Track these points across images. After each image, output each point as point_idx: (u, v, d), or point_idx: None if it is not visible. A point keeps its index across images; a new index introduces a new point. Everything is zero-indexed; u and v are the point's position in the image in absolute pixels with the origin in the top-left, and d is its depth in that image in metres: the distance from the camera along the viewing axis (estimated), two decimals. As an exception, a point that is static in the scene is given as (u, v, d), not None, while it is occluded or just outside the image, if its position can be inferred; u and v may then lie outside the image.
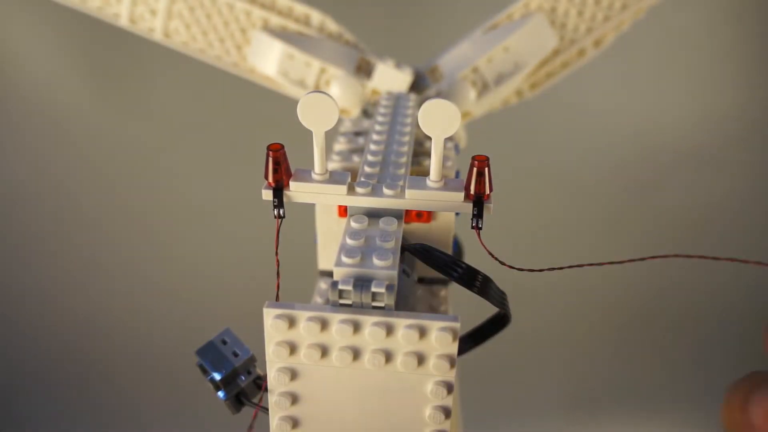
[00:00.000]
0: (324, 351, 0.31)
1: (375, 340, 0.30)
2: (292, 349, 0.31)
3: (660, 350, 1.12)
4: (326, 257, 0.46)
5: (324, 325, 0.31)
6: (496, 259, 0.33)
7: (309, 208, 0.42)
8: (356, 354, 0.31)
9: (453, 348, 0.30)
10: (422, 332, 0.30)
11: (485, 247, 0.33)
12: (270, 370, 0.32)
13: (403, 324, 0.30)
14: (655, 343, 1.12)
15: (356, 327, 0.30)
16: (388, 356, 0.31)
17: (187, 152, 1.05)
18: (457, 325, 0.30)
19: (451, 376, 0.31)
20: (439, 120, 0.32)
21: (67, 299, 1.10)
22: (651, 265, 1.16)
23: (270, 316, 0.31)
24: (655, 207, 1.09)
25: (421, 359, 0.31)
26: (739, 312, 1.11)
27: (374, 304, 0.31)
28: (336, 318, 0.30)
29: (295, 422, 0.33)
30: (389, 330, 0.30)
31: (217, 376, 0.38)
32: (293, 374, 0.32)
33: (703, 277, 1.10)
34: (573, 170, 1.06)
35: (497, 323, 0.39)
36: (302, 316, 0.30)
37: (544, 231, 1.08)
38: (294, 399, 0.33)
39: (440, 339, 0.30)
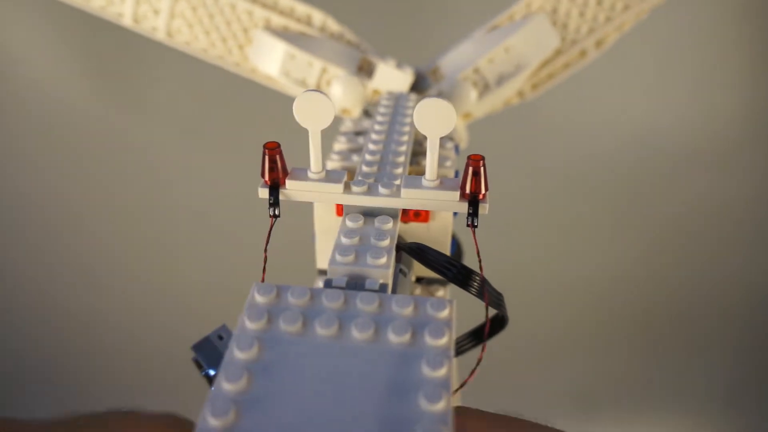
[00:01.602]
0: (307, 320, 0.27)
1: (366, 307, 0.28)
2: (271, 317, 0.28)
3: (660, 350, 1.12)
4: (324, 256, 0.46)
5: (312, 296, 0.29)
6: (479, 259, 0.33)
7: (308, 207, 0.42)
8: (343, 323, 0.27)
9: (449, 315, 0.28)
10: (416, 305, 0.28)
11: (477, 247, 0.33)
12: (236, 338, 0.26)
13: (395, 299, 0.29)
14: (656, 343, 1.11)
15: (347, 299, 0.29)
16: (379, 324, 0.27)
17: (188, 151, 1.05)
18: (453, 301, 0.29)
19: (448, 344, 0.27)
20: (434, 119, 0.32)
21: (66, 297, 1.11)
22: (651, 266, 1.15)
23: (256, 290, 0.29)
24: (655, 207, 1.08)
25: (414, 327, 0.27)
26: (739, 312, 1.10)
27: None
28: (326, 292, 0.29)
29: (245, 405, 0.24)
30: (381, 303, 0.28)
31: (213, 372, 0.38)
32: (262, 345, 0.26)
33: (703, 278, 1.09)
34: (574, 171, 1.06)
35: (495, 325, 0.39)
36: (292, 288, 0.29)
37: (546, 231, 1.08)
38: (251, 377, 0.25)
39: (436, 305, 0.28)
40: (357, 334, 0.27)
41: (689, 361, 1.11)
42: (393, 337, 0.27)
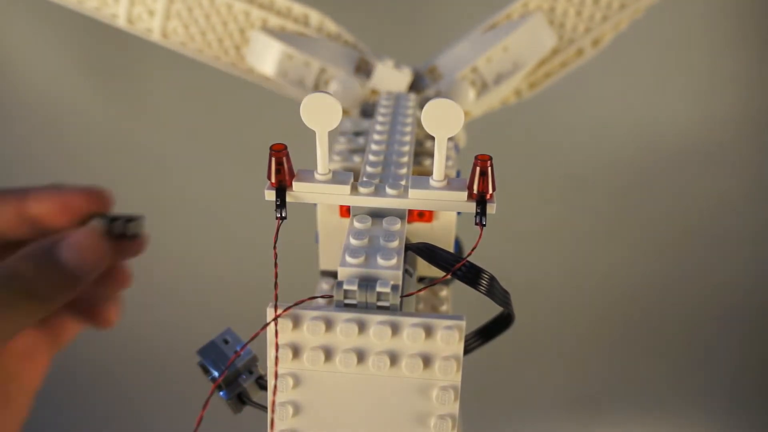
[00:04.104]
0: (328, 354, 0.31)
1: (380, 340, 0.30)
2: (295, 352, 0.31)
3: (661, 350, 1.12)
4: (327, 257, 0.46)
5: (328, 325, 0.30)
6: (468, 255, 0.33)
7: (309, 208, 0.42)
8: (361, 357, 0.30)
9: (459, 348, 0.30)
10: (428, 331, 0.30)
11: (476, 243, 0.33)
12: (271, 376, 0.31)
13: (408, 323, 0.30)
14: (656, 343, 1.12)
15: (361, 327, 0.30)
16: (393, 358, 0.30)
17: (185, 152, 1.05)
18: (462, 323, 0.30)
19: (457, 379, 0.30)
20: (443, 120, 0.32)
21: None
22: (652, 265, 1.15)
23: (273, 316, 0.30)
24: (652, 206, 1.09)
25: (426, 361, 0.30)
26: (739, 312, 1.11)
27: (379, 303, 0.31)
28: (341, 317, 0.30)
29: None
30: (394, 329, 0.30)
31: (218, 375, 0.38)
32: (295, 381, 0.31)
33: (704, 277, 1.10)
34: (571, 169, 1.07)
35: (501, 323, 0.39)
36: (306, 316, 0.30)
37: (545, 230, 1.08)
38: (296, 408, 0.31)
39: (446, 338, 0.30)
40: (374, 370, 0.31)
41: (690, 362, 1.12)
42: (407, 372, 0.30)
